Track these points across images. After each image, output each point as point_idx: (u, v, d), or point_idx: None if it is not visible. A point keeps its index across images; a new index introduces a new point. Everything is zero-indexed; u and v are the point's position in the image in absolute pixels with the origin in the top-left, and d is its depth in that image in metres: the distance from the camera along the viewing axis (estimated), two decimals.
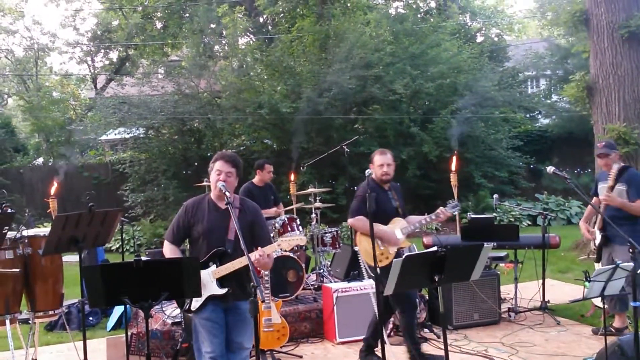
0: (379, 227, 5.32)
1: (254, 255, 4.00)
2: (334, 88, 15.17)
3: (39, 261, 5.41)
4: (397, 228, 5.46)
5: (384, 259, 5.40)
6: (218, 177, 4.19)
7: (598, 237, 6.13)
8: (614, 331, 6.01)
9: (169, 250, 4.29)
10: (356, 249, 6.00)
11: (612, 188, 5.80)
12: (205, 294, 4.07)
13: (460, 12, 24.93)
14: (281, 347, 6.09)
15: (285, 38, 17.97)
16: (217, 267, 4.12)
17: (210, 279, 4.11)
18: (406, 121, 16.19)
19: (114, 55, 26.38)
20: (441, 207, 5.52)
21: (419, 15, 22.06)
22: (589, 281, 4.55)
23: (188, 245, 4.44)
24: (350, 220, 5.58)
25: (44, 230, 6.56)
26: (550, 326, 6.75)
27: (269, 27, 23.72)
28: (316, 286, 7.55)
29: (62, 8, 32.85)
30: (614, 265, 4.50)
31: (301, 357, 6.09)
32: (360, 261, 6.02)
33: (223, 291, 4.10)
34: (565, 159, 18.75)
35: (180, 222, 4.28)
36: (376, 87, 15.58)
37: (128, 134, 17.45)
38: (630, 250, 4.57)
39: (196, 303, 4.10)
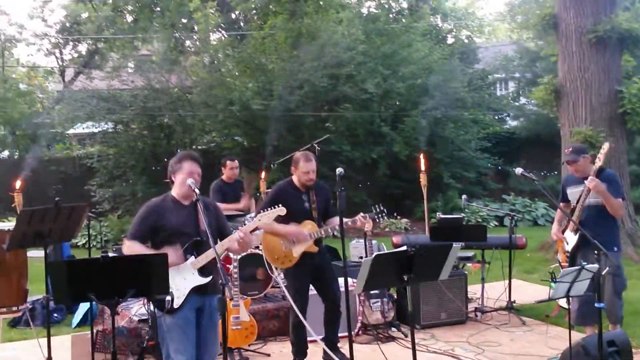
0: (285, 227, 5.35)
1: (237, 236, 4.13)
2: (305, 86, 15.16)
3: (3, 256, 5.33)
4: (307, 231, 5.39)
5: (287, 261, 5.40)
6: (189, 177, 4.18)
7: (572, 240, 5.95)
8: None
9: (136, 247, 4.10)
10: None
11: (589, 190, 5.60)
12: (188, 287, 4.07)
13: (431, 13, 25.07)
14: (249, 345, 6.08)
15: (258, 35, 17.87)
16: (195, 258, 4.12)
17: (191, 271, 4.10)
18: (377, 120, 16.27)
19: (83, 48, 25.96)
20: (361, 214, 5.43)
21: (391, 16, 22.15)
22: (555, 282, 4.62)
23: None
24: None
25: (9, 224, 6.45)
26: (515, 326, 6.85)
27: (241, 24, 23.59)
28: (285, 284, 7.54)
29: None
30: (579, 267, 4.57)
31: (269, 355, 6.08)
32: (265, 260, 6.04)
33: (207, 279, 4.11)
34: (533, 160, 19.00)
35: (146, 221, 4.17)
36: (348, 86, 15.61)
37: (96, 128, 17.20)
38: (596, 252, 4.66)
39: (178, 300, 4.05)
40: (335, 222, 5.47)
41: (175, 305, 4.05)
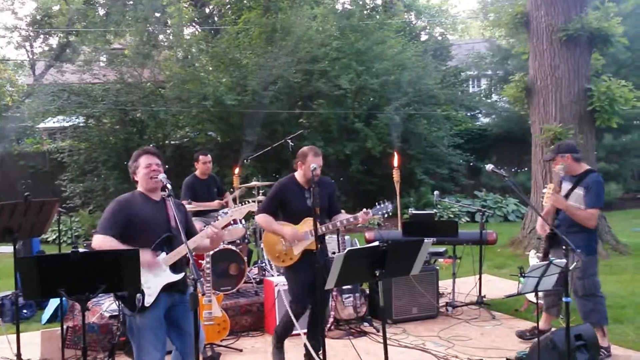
0: (284, 228, 5.27)
1: (208, 232, 4.11)
2: (279, 82, 15.15)
3: None
4: (307, 229, 5.26)
5: (288, 259, 5.31)
6: (149, 169, 4.17)
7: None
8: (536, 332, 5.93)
9: (108, 241, 3.98)
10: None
11: (557, 191, 5.59)
12: (159, 285, 4.02)
13: (405, 10, 25.25)
14: (221, 341, 6.07)
15: (232, 30, 17.80)
16: (167, 254, 4.08)
17: (162, 268, 4.06)
18: (351, 116, 16.32)
19: (54, 41, 25.60)
20: (364, 210, 5.25)
21: (365, 12, 22.19)
22: (524, 277, 4.69)
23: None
24: (256, 217, 5.45)
25: None
26: (485, 320, 6.94)
27: (215, 18, 23.47)
28: (258, 280, 7.56)
29: None
30: (547, 262, 4.65)
31: (241, 350, 6.09)
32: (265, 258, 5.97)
33: (179, 276, 4.09)
34: (504, 157, 19.25)
35: (117, 215, 4.08)
36: (322, 81, 15.62)
37: (67, 122, 16.97)
38: (564, 247, 4.72)
39: (149, 298, 3.98)
40: (341, 218, 5.36)
41: (147, 304, 3.97)
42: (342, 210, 5.64)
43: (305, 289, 5.26)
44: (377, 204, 5.29)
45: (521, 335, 6.25)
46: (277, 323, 5.70)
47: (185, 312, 4.10)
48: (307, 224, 5.27)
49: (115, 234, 4.03)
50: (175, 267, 4.10)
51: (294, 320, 5.32)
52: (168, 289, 4.07)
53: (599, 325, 5.63)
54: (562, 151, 5.74)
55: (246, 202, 4.62)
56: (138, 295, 3.91)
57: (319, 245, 4.94)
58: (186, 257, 4.07)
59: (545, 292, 5.66)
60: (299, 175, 5.39)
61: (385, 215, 5.34)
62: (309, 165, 5.17)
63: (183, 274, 4.15)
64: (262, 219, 5.32)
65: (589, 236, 5.59)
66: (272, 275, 7.26)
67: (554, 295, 5.89)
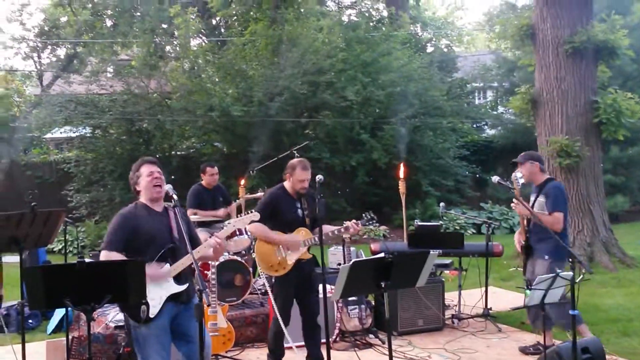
0: (281, 235, 5.32)
1: (212, 242, 4.12)
2: (285, 93, 15.18)
3: None
4: (301, 238, 5.36)
5: (281, 269, 5.34)
6: (151, 178, 4.18)
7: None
8: (541, 349, 5.94)
9: (113, 257, 4.02)
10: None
11: (517, 197, 5.83)
12: (164, 296, 4.02)
13: (411, 22, 25.29)
14: (226, 352, 6.06)
15: (238, 41, 17.88)
16: (170, 265, 4.08)
17: (167, 279, 4.06)
18: (356, 128, 16.32)
19: (61, 52, 25.77)
20: (353, 221, 5.42)
21: (371, 24, 22.27)
22: (530, 289, 4.67)
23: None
24: (248, 227, 5.46)
25: None
26: (492, 333, 6.91)
27: (222, 30, 23.58)
28: (263, 291, 7.53)
29: (8, 2, 31.93)
30: (554, 274, 4.63)
31: None
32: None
33: (183, 287, 4.09)
34: (509, 169, 19.04)
35: (123, 230, 4.10)
36: (327, 93, 15.64)
37: (74, 132, 17.06)
38: (570, 260, 4.71)
39: (154, 310, 3.99)
40: (323, 230, 5.37)
41: (151, 315, 3.98)
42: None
43: (291, 299, 5.41)
44: (364, 215, 5.49)
45: (524, 350, 6.22)
46: (268, 334, 5.66)
47: (190, 320, 4.10)
48: (301, 234, 5.38)
49: (120, 248, 4.06)
50: (179, 278, 4.10)
51: (284, 330, 5.33)
52: (173, 299, 4.07)
53: (568, 328, 5.70)
54: (533, 158, 6.09)
55: (249, 212, 4.62)
56: (143, 306, 3.91)
57: (310, 256, 5.20)
58: (191, 267, 4.06)
59: (526, 307, 5.78)
60: (288, 185, 5.47)
61: (376, 225, 5.47)
62: (297, 178, 5.33)
63: (187, 284, 4.14)
64: (256, 227, 5.33)
65: (555, 242, 5.67)
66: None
67: (534, 308, 5.90)
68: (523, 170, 5.99)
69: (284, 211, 5.36)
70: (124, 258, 4.02)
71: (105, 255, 4.05)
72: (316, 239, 5.28)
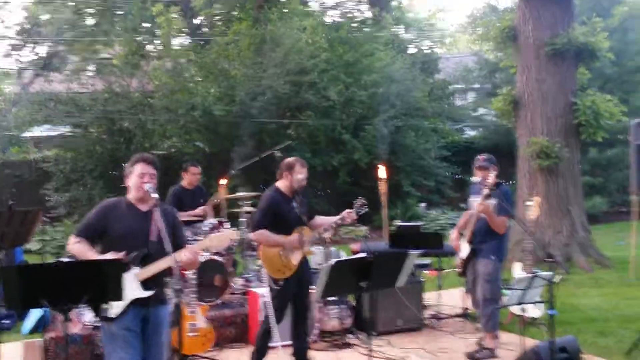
0: (285, 238, 5.30)
1: (184, 255, 3.99)
2: (268, 92, 15.15)
3: None
4: (305, 237, 5.37)
5: (287, 270, 5.32)
6: (142, 179, 4.14)
7: (465, 250, 6.31)
8: (485, 351, 6.08)
9: (78, 245, 4.04)
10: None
11: (486, 198, 5.92)
12: (127, 298, 3.94)
13: (394, 23, 25.33)
14: (205, 352, 6.04)
15: (221, 40, 17.81)
16: (140, 269, 4.01)
17: (133, 283, 3.97)
18: (338, 128, 16.34)
19: (42, 50, 25.49)
20: (347, 210, 5.44)
21: (354, 25, 22.31)
22: (508, 289, 4.71)
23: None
24: (251, 235, 5.46)
25: None
26: (470, 332, 6.95)
27: (205, 29, 23.49)
28: (243, 291, 7.52)
29: None
30: (532, 274, 4.68)
31: None
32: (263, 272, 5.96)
33: (149, 293, 4.00)
34: None
35: (95, 220, 4.12)
36: (310, 93, 15.65)
37: (54, 131, 16.88)
38: (548, 260, 4.79)
39: (117, 310, 3.93)
40: (319, 223, 5.56)
41: (113, 315, 3.93)
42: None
43: (289, 300, 5.39)
44: (354, 202, 5.48)
45: (471, 356, 6.16)
46: (258, 331, 5.64)
47: (155, 333, 4.10)
48: (303, 232, 5.38)
49: (89, 236, 4.08)
50: (147, 283, 4.02)
51: (274, 328, 5.33)
52: (139, 303, 4.00)
53: (493, 331, 6.07)
54: (495, 163, 6.23)
55: (229, 226, 4.56)
56: (103, 305, 3.88)
57: (312, 252, 5.12)
58: (166, 271, 4.02)
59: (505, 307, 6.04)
60: (282, 185, 5.44)
61: (366, 209, 5.48)
62: (297, 175, 5.32)
63: (154, 291, 4.04)
64: (259, 235, 5.32)
65: (499, 244, 6.09)
66: (257, 287, 7.22)
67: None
68: (492, 173, 6.02)
69: (285, 213, 5.34)
70: (87, 247, 4.02)
71: (71, 240, 4.07)
72: (317, 234, 5.42)
